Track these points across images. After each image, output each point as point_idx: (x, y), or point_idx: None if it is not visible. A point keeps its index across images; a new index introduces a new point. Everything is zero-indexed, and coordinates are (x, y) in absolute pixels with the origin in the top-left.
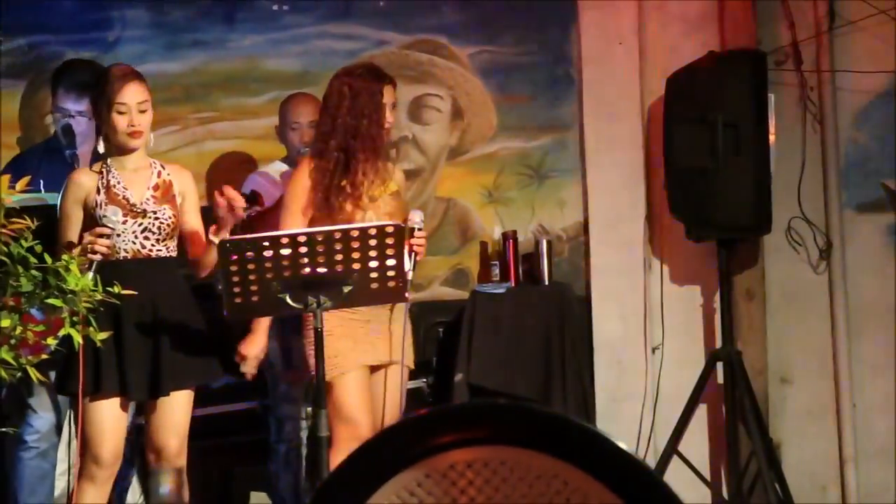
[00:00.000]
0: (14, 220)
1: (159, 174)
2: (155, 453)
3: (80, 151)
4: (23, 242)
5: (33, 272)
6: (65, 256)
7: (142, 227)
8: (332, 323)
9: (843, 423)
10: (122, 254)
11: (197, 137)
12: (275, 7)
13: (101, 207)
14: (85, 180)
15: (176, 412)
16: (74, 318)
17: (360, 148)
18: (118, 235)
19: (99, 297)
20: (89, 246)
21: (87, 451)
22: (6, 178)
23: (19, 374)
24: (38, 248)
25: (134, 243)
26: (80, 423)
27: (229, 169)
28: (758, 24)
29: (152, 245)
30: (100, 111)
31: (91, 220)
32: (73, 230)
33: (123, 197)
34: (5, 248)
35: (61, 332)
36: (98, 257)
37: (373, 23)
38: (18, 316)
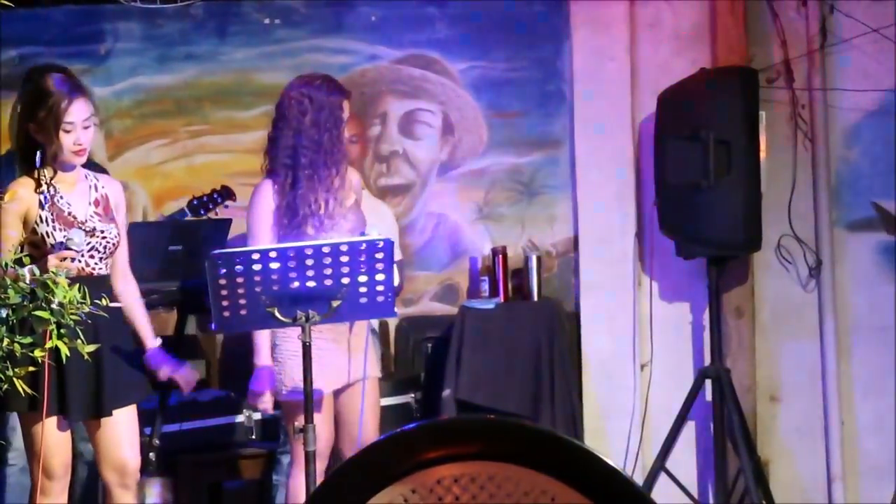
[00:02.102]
0: None
1: (96, 187)
2: (117, 471)
3: None
4: (12, 255)
5: (21, 284)
6: (53, 269)
7: (90, 246)
8: (297, 344)
9: (831, 442)
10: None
11: (188, 151)
12: (267, 21)
13: (47, 223)
14: (26, 194)
15: (128, 428)
16: (62, 331)
17: (322, 163)
18: (91, 258)
19: (86, 309)
20: (57, 269)
21: (36, 466)
22: None
23: (6, 387)
24: (27, 261)
25: (80, 261)
26: (36, 443)
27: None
28: (749, 42)
29: (95, 263)
30: (45, 127)
31: (33, 235)
32: (10, 243)
33: (69, 213)
34: None
35: (48, 345)
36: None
37: (365, 37)
38: (6, 328)
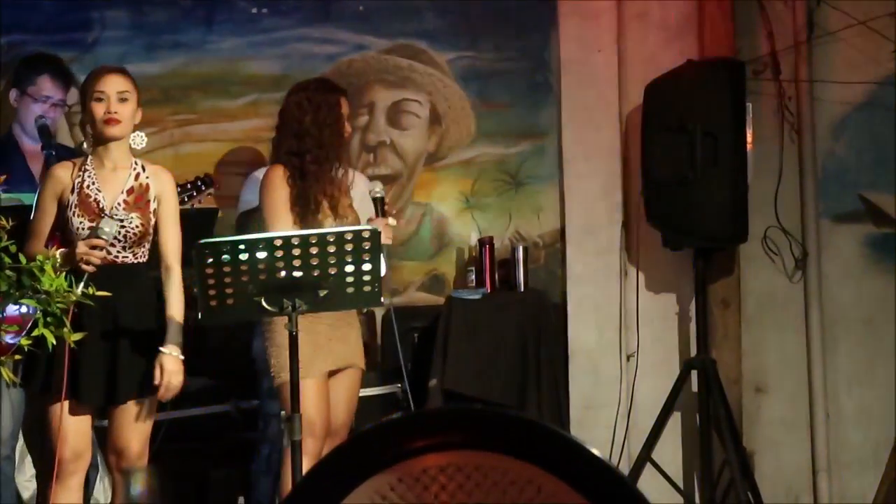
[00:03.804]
0: None
1: (137, 176)
2: (116, 455)
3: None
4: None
5: (8, 272)
6: (39, 257)
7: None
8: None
9: (816, 433)
10: None
11: (175, 139)
12: (254, 10)
13: (71, 209)
14: (63, 175)
15: (138, 417)
16: (49, 319)
17: (325, 158)
18: (112, 246)
19: (74, 298)
20: (84, 256)
21: (53, 451)
22: None
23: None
24: (13, 249)
25: (107, 250)
26: (49, 425)
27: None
28: (737, 34)
29: (118, 252)
30: (83, 104)
31: (62, 217)
32: (45, 223)
33: (94, 200)
34: None
35: (35, 333)
36: (91, 269)
37: (352, 27)
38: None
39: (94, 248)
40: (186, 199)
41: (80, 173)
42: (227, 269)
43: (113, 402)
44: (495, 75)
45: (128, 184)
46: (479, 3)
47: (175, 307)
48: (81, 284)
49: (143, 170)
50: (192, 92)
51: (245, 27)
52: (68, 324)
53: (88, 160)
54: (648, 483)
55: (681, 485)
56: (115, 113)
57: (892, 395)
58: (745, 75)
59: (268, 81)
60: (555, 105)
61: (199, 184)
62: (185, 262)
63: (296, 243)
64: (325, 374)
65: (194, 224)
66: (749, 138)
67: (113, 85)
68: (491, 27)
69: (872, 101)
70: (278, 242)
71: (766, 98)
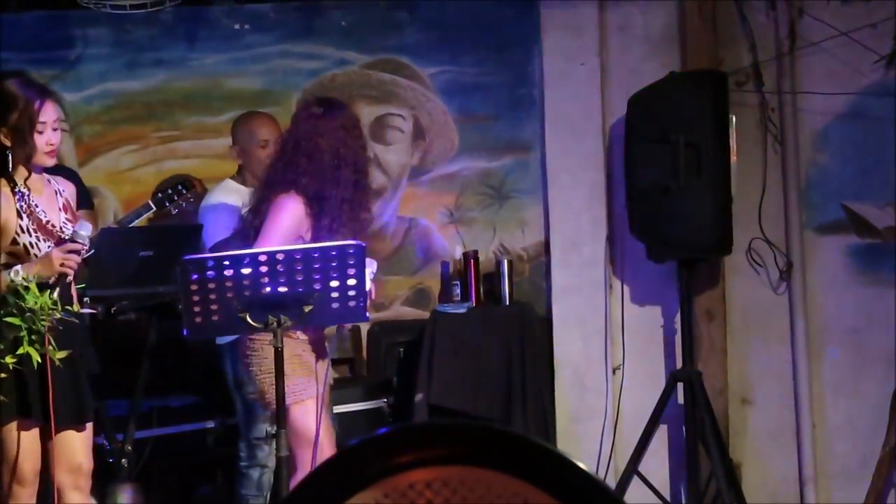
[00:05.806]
0: None
1: (60, 192)
2: (72, 474)
3: None
4: None
5: None
6: (23, 274)
7: None
8: (292, 350)
9: (802, 444)
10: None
11: (158, 156)
12: (236, 26)
13: (29, 234)
14: (3, 202)
15: (86, 432)
16: (33, 337)
17: (361, 181)
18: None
19: (58, 315)
20: (64, 261)
21: (6, 471)
22: None
23: None
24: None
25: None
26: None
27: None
28: (719, 46)
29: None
30: (19, 129)
31: (13, 245)
32: None
33: (48, 222)
34: None
35: (20, 351)
36: (70, 272)
37: (335, 42)
38: None
39: (70, 252)
40: (168, 204)
41: (23, 197)
42: (211, 285)
43: (80, 422)
44: (478, 89)
45: (59, 201)
46: (462, 18)
47: None
48: (56, 291)
49: (58, 184)
50: (174, 108)
51: (227, 43)
52: (53, 342)
53: (19, 182)
54: (635, 495)
55: (668, 497)
56: (54, 143)
57: (878, 405)
58: (728, 87)
59: (250, 97)
60: (538, 118)
61: (181, 188)
62: (170, 278)
63: (280, 259)
64: (321, 393)
65: (179, 240)
66: (733, 150)
67: (51, 114)
68: (473, 41)
69: (855, 111)
70: (263, 258)
71: (749, 109)
